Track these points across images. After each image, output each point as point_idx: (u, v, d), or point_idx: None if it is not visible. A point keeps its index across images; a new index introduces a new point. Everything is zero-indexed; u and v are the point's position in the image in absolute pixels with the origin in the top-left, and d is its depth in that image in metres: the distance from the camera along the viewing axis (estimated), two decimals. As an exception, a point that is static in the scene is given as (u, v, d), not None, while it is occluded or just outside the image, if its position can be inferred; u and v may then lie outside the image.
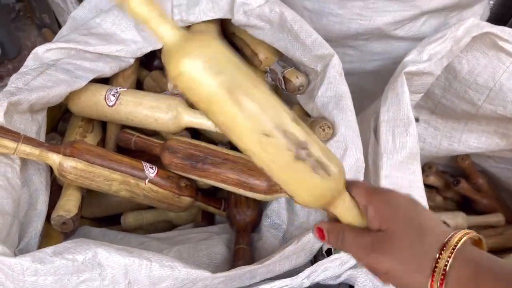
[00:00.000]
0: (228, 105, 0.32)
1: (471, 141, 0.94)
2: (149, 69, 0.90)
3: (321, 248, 0.63)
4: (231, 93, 0.32)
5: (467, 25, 0.78)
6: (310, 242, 0.58)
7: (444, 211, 1.04)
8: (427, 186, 1.05)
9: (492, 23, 1.09)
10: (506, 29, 0.79)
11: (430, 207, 1.05)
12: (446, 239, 0.34)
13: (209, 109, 0.33)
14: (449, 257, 0.33)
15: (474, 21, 0.78)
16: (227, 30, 0.88)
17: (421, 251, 0.35)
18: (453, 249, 0.34)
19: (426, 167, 1.07)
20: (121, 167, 0.64)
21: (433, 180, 1.04)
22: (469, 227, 0.99)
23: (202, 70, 0.31)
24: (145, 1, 0.31)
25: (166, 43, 0.32)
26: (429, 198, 1.07)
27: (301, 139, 0.35)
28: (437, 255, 0.34)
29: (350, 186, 0.40)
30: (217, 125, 0.35)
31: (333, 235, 0.41)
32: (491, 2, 1.13)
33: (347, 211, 0.40)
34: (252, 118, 0.33)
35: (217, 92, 0.31)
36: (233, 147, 0.80)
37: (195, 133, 0.81)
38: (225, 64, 0.32)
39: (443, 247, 0.34)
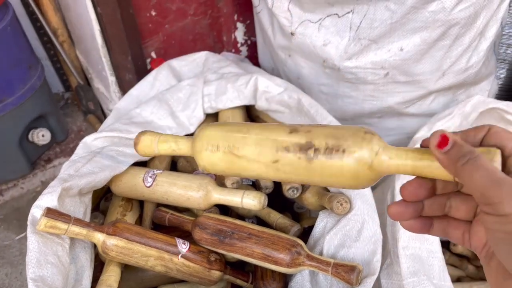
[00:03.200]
0: (235, 164, 0.41)
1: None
2: (182, 151, 0.99)
3: (344, 320, 0.65)
4: (231, 154, 0.41)
5: (473, 102, 0.84)
6: None
7: (477, 280, 1.03)
8: (459, 256, 1.05)
9: (504, 94, 1.15)
10: (511, 103, 0.84)
11: (462, 277, 1.04)
12: None
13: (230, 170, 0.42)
14: None
15: (480, 97, 0.84)
16: (251, 113, 0.98)
17: None
18: None
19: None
20: (157, 243, 0.70)
21: (461, 249, 1.04)
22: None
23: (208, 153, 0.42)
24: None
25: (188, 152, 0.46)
26: (460, 267, 1.06)
27: (302, 143, 0.37)
28: None
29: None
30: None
31: (458, 149, 0.30)
32: (502, 75, 1.19)
33: (400, 169, 0.35)
34: (255, 161, 0.40)
35: (222, 160, 0.42)
36: (259, 221, 0.85)
37: (224, 208, 0.87)
38: (217, 139, 0.42)
39: None
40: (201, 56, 1.03)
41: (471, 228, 0.34)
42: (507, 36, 1.17)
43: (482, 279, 1.04)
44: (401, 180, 0.76)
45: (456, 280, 1.04)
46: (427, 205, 0.35)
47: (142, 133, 0.48)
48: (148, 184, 0.79)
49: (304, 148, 0.37)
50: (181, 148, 0.46)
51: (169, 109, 0.90)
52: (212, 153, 0.42)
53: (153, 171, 0.81)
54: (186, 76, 1.01)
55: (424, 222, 0.36)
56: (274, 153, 0.39)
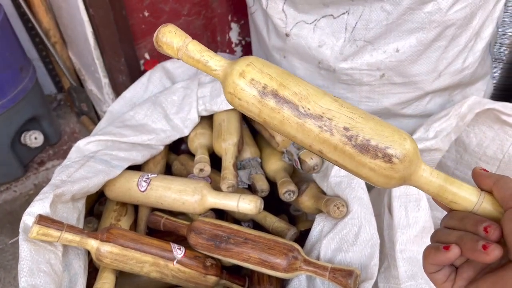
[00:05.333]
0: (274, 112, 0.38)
1: (489, 210, 0.96)
2: (176, 153, 0.98)
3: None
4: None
5: (470, 103, 0.83)
6: (330, 319, 0.60)
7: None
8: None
9: (499, 94, 1.15)
10: (508, 104, 0.84)
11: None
12: None
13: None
14: None
15: (476, 98, 0.84)
16: (247, 116, 0.97)
17: None
18: None
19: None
20: (152, 249, 0.69)
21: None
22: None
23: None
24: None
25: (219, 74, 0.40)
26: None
27: (346, 126, 0.36)
28: None
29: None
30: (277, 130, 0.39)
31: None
32: (497, 75, 1.19)
33: (429, 184, 0.37)
34: None
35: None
36: (255, 225, 0.84)
37: (220, 212, 0.86)
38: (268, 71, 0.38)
39: None
40: (195, 58, 1.02)
41: (459, 269, 0.37)
42: (502, 35, 1.16)
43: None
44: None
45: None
46: None
47: (169, 26, 0.41)
48: (143, 189, 0.78)
49: (347, 133, 0.36)
50: (216, 62, 0.40)
51: (163, 112, 0.89)
52: (253, 82, 0.37)
53: (148, 175, 0.79)
54: (180, 78, 1.00)
55: None
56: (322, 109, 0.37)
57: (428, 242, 0.66)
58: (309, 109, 0.37)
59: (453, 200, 0.37)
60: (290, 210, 0.93)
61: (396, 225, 0.71)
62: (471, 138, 0.89)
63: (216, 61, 0.40)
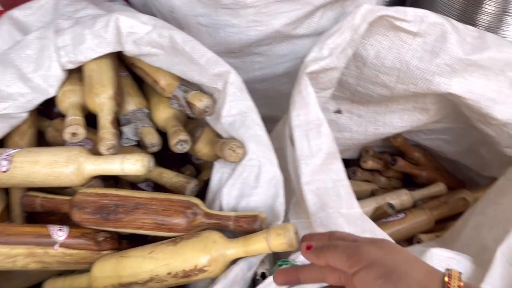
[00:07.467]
0: None
1: (395, 121, 0.95)
2: (50, 118, 0.84)
3: (255, 276, 0.60)
4: None
5: (362, 12, 0.77)
6: (239, 274, 0.55)
7: (390, 190, 1.03)
8: (370, 170, 1.05)
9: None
10: (400, 8, 0.79)
11: (377, 189, 1.06)
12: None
13: None
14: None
15: (368, 6, 0.78)
16: (126, 61, 0.84)
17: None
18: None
19: (363, 152, 1.08)
20: (23, 239, 0.58)
21: (371, 164, 1.04)
22: (415, 201, 0.99)
23: None
24: None
25: None
26: (373, 181, 1.07)
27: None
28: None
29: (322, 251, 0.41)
30: None
31: (317, 247, 0.41)
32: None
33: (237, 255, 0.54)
34: None
35: None
36: (155, 187, 0.76)
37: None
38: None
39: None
40: (49, 0, 0.84)
41: None
42: None
43: (395, 188, 1.07)
44: (296, 111, 0.69)
45: (370, 194, 1.05)
46: None
47: None
48: (4, 169, 0.65)
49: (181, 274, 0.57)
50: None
51: (17, 72, 0.73)
52: None
53: (7, 152, 0.66)
54: (34, 27, 0.83)
55: None
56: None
57: (336, 168, 0.66)
58: None
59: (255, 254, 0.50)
60: (192, 159, 0.85)
61: (299, 157, 0.65)
62: (369, 50, 0.84)
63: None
